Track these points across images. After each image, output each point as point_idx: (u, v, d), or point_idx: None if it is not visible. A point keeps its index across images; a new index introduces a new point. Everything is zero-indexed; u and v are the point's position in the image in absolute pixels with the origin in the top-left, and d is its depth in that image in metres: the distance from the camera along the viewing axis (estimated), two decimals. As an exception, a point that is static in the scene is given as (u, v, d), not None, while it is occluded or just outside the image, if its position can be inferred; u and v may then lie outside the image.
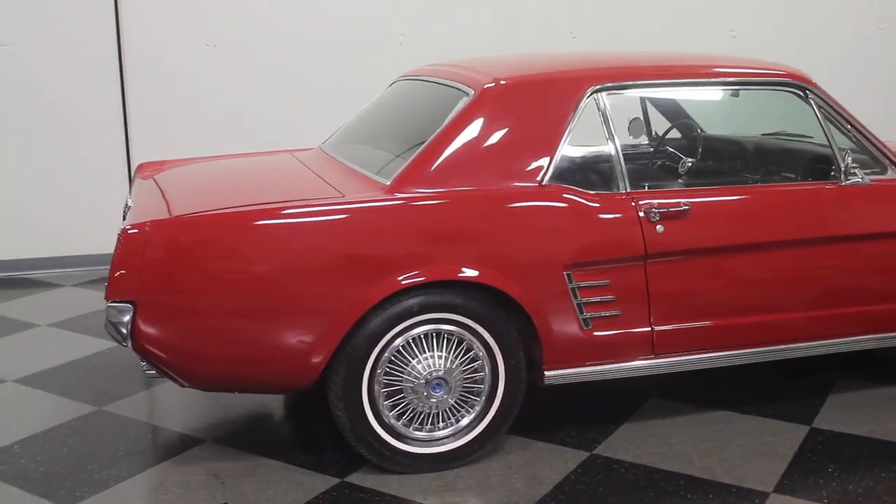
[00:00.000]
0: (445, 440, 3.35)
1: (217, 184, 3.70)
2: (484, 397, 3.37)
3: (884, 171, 3.76)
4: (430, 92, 3.68)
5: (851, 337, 3.74)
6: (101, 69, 5.87)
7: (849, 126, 3.72)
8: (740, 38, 6.66)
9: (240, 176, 3.83)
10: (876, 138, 3.76)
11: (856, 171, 3.64)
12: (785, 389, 4.07)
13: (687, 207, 3.41)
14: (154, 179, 3.85)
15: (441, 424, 3.35)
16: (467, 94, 3.43)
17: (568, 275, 3.31)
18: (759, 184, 3.84)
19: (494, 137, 3.34)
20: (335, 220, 3.14)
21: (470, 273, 3.21)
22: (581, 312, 3.36)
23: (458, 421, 3.36)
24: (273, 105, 6.13)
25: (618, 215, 3.35)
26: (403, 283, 3.13)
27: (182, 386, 3.21)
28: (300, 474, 3.37)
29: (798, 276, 3.61)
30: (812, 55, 6.69)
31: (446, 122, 3.36)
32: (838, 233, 3.61)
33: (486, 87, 3.41)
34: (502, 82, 3.42)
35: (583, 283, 3.34)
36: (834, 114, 3.70)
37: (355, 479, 3.33)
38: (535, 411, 3.88)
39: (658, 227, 3.37)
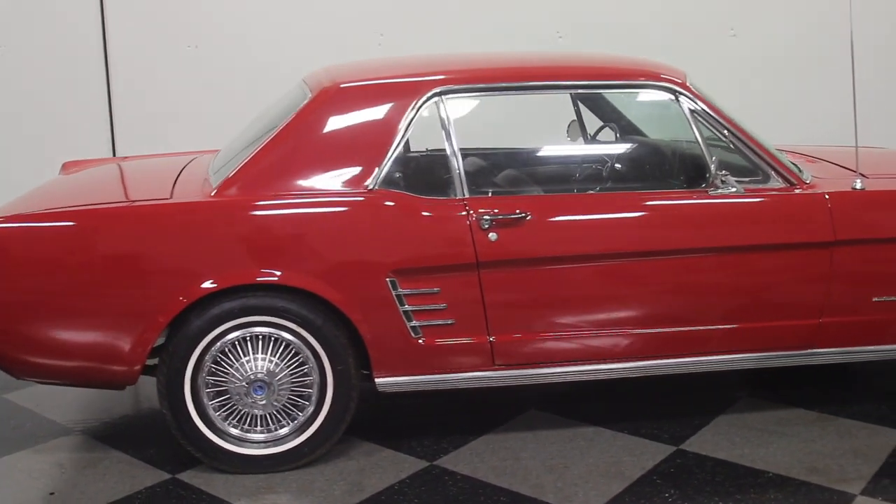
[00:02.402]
0: (275, 443, 3.36)
1: (86, 185, 3.81)
2: (313, 402, 3.36)
3: (766, 180, 3.52)
4: (293, 95, 3.68)
5: (719, 356, 3.53)
6: (87, 69, 6.10)
7: (726, 131, 3.50)
8: (740, 37, 6.35)
9: (116, 178, 3.93)
10: (759, 144, 3.52)
11: (727, 179, 3.43)
12: (675, 408, 3.88)
13: (523, 215, 3.29)
14: (56, 179, 4.01)
15: (272, 427, 3.36)
16: (306, 98, 3.42)
17: (392, 281, 3.26)
18: (615, 191, 3.66)
19: (325, 141, 3.33)
20: (143, 221, 3.21)
21: (287, 277, 3.20)
22: (409, 320, 3.30)
23: (288, 425, 3.36)
24: (255, 105, 6.23)
25: (448, 222, 3.27)
26: (211, 286, 3.16)
27: (17, 378, 3.35)
28: (138, 468, 3.44)
29: (653, 290, 3.43)
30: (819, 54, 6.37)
31: (279, 126, 3.37)
32: (699, 245, 3.41)
33: (320, 90, 3.40)
34: (338, 86, 3.40)
35: (410, 291, 3.28)
36: (710, 118, 3.49)
37: (186, 476, 3.38)
38: (398, 417, 3.87)
39: (490, 234, 3.27)
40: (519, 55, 3.77)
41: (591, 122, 4.39)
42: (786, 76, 6.40)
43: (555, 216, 3.35)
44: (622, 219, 3.40)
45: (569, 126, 4.32)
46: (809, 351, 3.60)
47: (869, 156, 4.44)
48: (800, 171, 3.64)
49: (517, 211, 3.29)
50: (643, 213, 3.41)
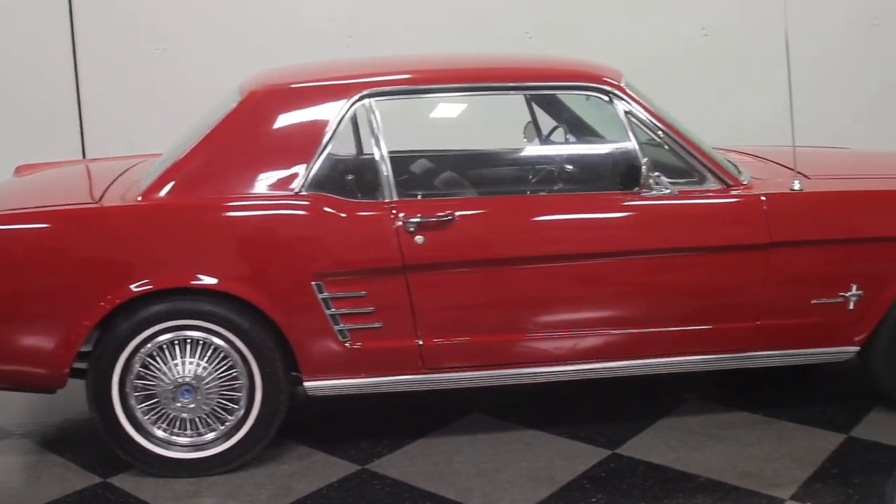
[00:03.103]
0: (202, 447, 3.35)
1: (21, 189, 3.82)
2: (243, 406, 3.35)
3: (701, 181, 3.49)
4: (227, 98, 3.68)
5: (654, 359, 3.50)
6: (57, 72, 6.13)
7: (660, 132, 3.47)
8: (711, 36, 6.30)
9: (52, 182, 3.92)
10: (693, 145, 3.48)
11: (660, 180, 3.40)
12: (618, 411, 3.85)
13: (450, 218, 3.27)
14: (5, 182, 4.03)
15: (201, 430, 3.36)
16: (236, 101, 3.42)
17: (318, 285, 3.24)
18: (545, 193, 3.64)
19: (252, 144, 3.32)
20: (65, 225, 3.21)
21: (209, 281, 3.20)
22: (336, 324, 3.29)
23: (217, 429, 3.35)
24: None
25: (373, 225, 3.26)
26: (134, 291, 3.16)
27: None
28: (72, 472, 3.44)
29: (584, 293, 3.41)
30: (803, 52, 6.31)
31: (207, 129, 3.36)
32: (629, 247, 3.38)
33: (248, 93, 3.39)
34: (266, 89, 3.39)
35: (336, 294, 3.27)
36: (644, 119, 3.45)
37: (117, 480, 3.37)
38: (338, 419, 3.87)
39: (417, 237, 3.25)
40: (455, 57, 3.74)
41: (548, 123, 4.38)
42: (758, 75, 6.35)
43: (481, 219, 3.33)
44: (549, 221, 3.38)
45: (525, 128, 4.30)
46: (747, 353, 3.57)
47: (822, 156, 4.42)
48: (738, 172, 3.61)
49: (444, 214, 3.27)
50: (571, 216, 3.38)
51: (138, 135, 6.17)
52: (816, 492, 3.19)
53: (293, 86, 3.42)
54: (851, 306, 3.55)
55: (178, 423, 3.34)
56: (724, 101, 6.29)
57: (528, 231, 3.35)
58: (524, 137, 4.31)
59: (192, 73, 6.24)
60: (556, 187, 3.78)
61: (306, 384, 3.36)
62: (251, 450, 3.38)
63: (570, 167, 3.82)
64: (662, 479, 3.30)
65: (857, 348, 3.64)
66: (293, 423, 3.73)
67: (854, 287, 3.54)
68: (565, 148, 3.98)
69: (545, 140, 4.15)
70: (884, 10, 6.34)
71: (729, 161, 3.73)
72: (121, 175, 3.75)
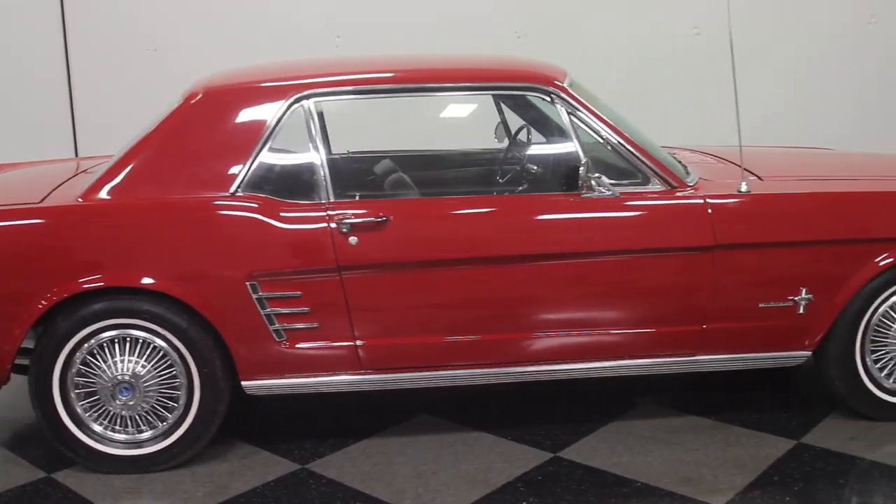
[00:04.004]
0: (143, 444, 3.39)
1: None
2: (182, 405, 3.38)
3: (645, 182, 3.44)
4: (173, 100, 3.70)
5: (597, 362, 3.47)
6: (50, 72, 6.22)
7: (604, 133, 3.43)
8: (704, 34, 6.22)
9: (7, 182, 3.98)
10: (637, 146, 3.43)
11: (601, 181, 3.35)
12: (568, 413, 3.82)
13: (384, 219, 3.27)
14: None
15: (143, 427, 3.39)
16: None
17: (252, 285, 3.26)
18: (485, 194, 3.61)
19: (190, 145, 3.35)
20: (4, 224, 3.25)
21: (145, 281, 3.23)
22: (272, 323, 3.30)
23: (156, 427, 3.39)
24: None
25: (307, 226, 3.27)
26: (72, 290, 3.20)
27: None
28: (18, 467, 3.50)
29: (521, 295, 3.38)
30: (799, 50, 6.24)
31: (147, 130, 3.39)
32: (567, 249, 3.34)
33: (188, 94, 3.41)
34: (205, 90, 3.41)
35: (271, 294, 3.28)
36: (586, 119, 3.42)
37: (60, 476, 3.42)
38: (285, 418, 3.89)
39: (351, 238, 3.25)
40: (399, 59, 3.72)
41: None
42: (750, 75, 6.25)
43: (415, 220, 3.32)
44: (484, 223, 3.35)
45: (496, 128, 4.28)
46: (695, 357, 3.52)
47: (787, 158, 4.35)
48: (686, 173, 3.56)
49: (378, 215, 3.27)
50: (508, 217, 3.36)
51: (131, 134, 6.26)
52: (753, 499, 3.14)
53: (231, 87, 3.44)
54: (802, 310, 3.49)
55: (119, 421, 3.38)
56: (718, 101, 6.21)
57: (462, 233, 3.33)
58: (495, 138, 4.29)
59: (183, 73, 6.27)
60: (497, 189, 3.75)
61: (244, 384, 3.38)
62: (191, 448, 3.41)
63: (512, 169, 3.80)
64: (599, 483, 3.27)
65: (808, 353, 3.57)
66: (242, 421, 3.78)
67: (804, 291, 3.47)
68: (508, 149, 3.94)
69: (513, 141, 4.13)
70: (880, 7, 6.21)
71: (678, 162, 3.69)
72: (76, 174, 3.80)
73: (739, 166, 3.71)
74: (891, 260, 3.47)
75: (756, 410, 3.80)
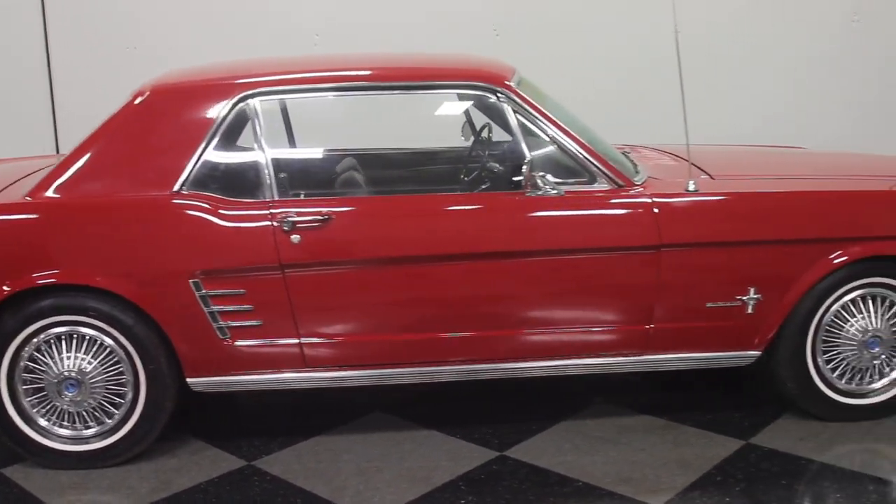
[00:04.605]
0: (90, 440, 3.42)
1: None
2: (128, 401, 3.40)
3: (591, 181, 3.43)
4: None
5: (545, 361, 3.46)
6: (30, 71, 6.28)
7: (550, 131, 3.42)
8: (684, 35, 6.17)
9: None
10: (583, 145, 3.42)
11: (545, 180, 3.35)
12: (520, 412, 3.82)
13: (326, 218, 3.27)
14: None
15: (90, 423, 3.42)
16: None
17: (196, 283, 3.28)
18: (430, 193, 3.61)
19: (135, 144, 3.36)
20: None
21: (92, 278, 3.25)
22: (215, 321, 3.32)
23: (104, 422, 3.41)
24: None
25: (249, 224, 3.28)
26: (14, 287, 3.22)
27: None
28: (-30, 462, 3.55)
29: (466, 293, 3.38)
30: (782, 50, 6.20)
31: (95, 128, 3.41)
32: (510, 248, 3.34)
33: (135, 94, 3.44)
34: (151, 89, 3.43)
35: (215, 292, 3.30)
36: (532, 117, 3.41)
37: (9, 470, 3.45)
38: (240, 415, 3.91)
39: (293, 237, 3.26)
40: (347, 58, 3.73)
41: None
42: (732, 72, 6.23)
43: (357, 219, 3.33)
44: (426, 222, 3.35)
45: (462, 128, 4.27)
46: (643, 357, 3.51)
47: (747, 156, 4.32)
48: (636, 172, 3.55)
49: (321, 214, 3.28)
50: (451, 216, 3.36)
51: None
52: (692, 499, 3.13)
53: (176, 86, 3.46)
54: (750, 310, 3.47)
55: (66, 417, 3.41)
56: (711, 101, 6.19)
57: (404, 231, 3.34)
58: (462, 137, 4.29)
59: (163, 71, 6.33)
60: (447, 187, 3.75)
61: (189, 381, 3.40)
62: (138, 444, 3.43)
63: (465, 168, 3.79)
64: (540, 482, 3.27)
65: (758, 353, 3.55)
66: (202, 418, 3.80)
67: (752, 290, 3.45)
68: (471, 149, 3.94)
69: (476, 140, 4.13)
70: (863, 5, 6.17)
71: (629, 161, 3.68)
72: (33, 173, 3.82)
73: (696, 165, 3.71)
74: (841, 259, 3.45)
75: (710, 410, 3.79)
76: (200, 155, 3.32)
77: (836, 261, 3.46)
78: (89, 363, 3.36)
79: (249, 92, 3.36)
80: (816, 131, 6.02)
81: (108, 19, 6.28)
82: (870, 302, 3.56)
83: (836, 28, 6.26)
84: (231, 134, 3.36)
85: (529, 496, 3.18)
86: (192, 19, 6.30)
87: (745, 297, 3.46)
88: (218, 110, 3.34)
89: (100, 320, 3.31)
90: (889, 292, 3.56)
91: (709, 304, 3.46)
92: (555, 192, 3.36)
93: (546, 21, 6.18)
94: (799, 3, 6.27)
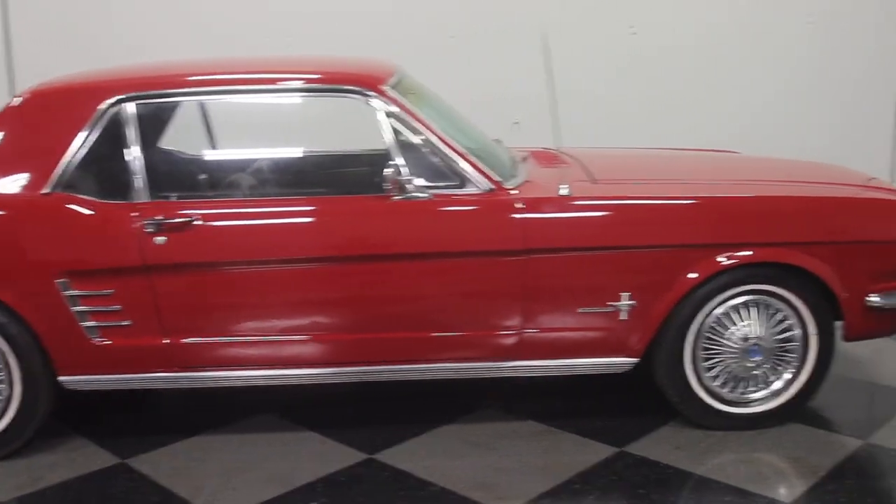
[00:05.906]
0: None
1: None
2: (3, 398, 3.46)
3: (462, 185, 3.41)
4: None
5: (413, 364, 3.46)
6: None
7: (423, 135, 3.41)
8: (639, 35, 6.12)
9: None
10: (454, 148, 3.39)
11: (413, 183, 3.34)
12: (404, 415, 3.80)
13: (189, 220, 3.30)
14: None
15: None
16: (11, 106, 3.54)
17: (63, 283, 3.33)
18: (297, 196, 3.61)
19: (10, 146, 3.42)
20: None
21: (-41, 277, 3.33)
22: (84, 321, 3.37)
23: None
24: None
25: (114, 226, 3.33)
26: None
27: None
28: None
29: (330, 296, 3.39)
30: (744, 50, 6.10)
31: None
32: (370, 251, 3.34)
33: (14, 96, 3.51)
34: (28, 92, 3.50)
35: (82, 292, 3.35)
36: (402, 121, 3.39)
37: None
38: (138, 413, 3.98)
39: (157, 238, 3.30)
40: (219, 61, 3.75)
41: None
42: (685, 74, 6.14)
43: (219, 221, 3.35)
44: (289, 224, 3.37)
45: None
46: (514, 362, 3.48)
47: (646, 160, 4.25)
48: (512, 175, 3.52)
49: (184, 216, 3.31)
50: (314, 219, 3.37)
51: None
52: (539, 507, 3.11)
53: (51, 90, 3.52)
54: (624, 316, 3.42)
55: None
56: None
57: (267, 234, 3.36)
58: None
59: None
60: (313, 190, 3.76)
61: (61, 379, 3.46)
62: (12, 442, 3.49)
63: (327, 170, 3.80)
64: (399, 486, 3.26)
65: (634, 360, 3.50)
66: (82, 414, 3.86)
67: (625, 296, 3.41)
68: (329, 151, 3.95)
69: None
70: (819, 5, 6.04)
71: (511, 164, 3.65)
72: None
73: (588, 169, 3.68)
74: (725, 263, 3.38)
75: (600, 417, 3.74)
76: (71, 157, 3.37)
77: (712, 267, 3.39)
78: (-33, 361, 3.44)
79: (122, 96, 3.40)
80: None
81: (73, 29, 6.36)
82: (753, 310, 3.50)
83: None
84: (106, 137, 3.39)
85: (381, 499, 3.18)
86: (153, 29, 6.34)
87: (617, 304, 3.41)
88: (90, 114, 3.39)
89: (-27, 318, 3.38)
90: (772, 300, 3.49)
91: (580, 310, 3.42)
92: (423, 195, 3.35)
93: (506, 25, 6.14)
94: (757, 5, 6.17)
